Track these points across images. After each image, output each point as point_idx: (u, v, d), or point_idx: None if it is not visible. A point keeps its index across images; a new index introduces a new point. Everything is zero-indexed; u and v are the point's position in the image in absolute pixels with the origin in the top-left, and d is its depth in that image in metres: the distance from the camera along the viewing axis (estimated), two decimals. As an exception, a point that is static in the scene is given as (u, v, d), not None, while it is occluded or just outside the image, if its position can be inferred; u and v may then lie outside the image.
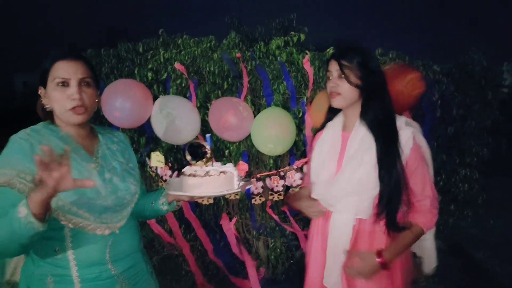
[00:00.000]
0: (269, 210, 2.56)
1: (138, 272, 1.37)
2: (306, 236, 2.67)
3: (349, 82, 1.46)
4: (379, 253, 1.46)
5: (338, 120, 1.63)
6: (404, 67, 2.01)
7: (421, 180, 1.47)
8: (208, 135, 1.37)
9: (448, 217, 2.93)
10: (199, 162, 1.38)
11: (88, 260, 1.23)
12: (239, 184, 1.35)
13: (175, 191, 1.34)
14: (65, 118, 1.27)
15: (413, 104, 2.03)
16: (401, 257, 1.51)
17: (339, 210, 1.54)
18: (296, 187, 2.45)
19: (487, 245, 3.75)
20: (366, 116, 1.49)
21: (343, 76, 1.47)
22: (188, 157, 1.37)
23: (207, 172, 1.30)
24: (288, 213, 2.56)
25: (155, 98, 2.27)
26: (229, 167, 1.36)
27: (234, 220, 2.57)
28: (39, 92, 1.29)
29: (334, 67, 1.49)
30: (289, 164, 2.49)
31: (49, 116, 1.32)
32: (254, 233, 2.71)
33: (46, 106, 1.28)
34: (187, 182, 1.31)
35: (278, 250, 2.69)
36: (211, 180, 1.27)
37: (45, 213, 1.05)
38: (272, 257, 2.73)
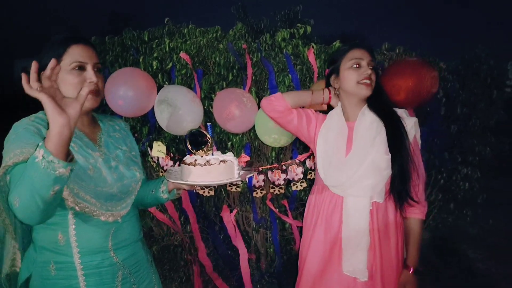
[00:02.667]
0: (269, 203, 2.55)
1: (139, 261, 1.39)
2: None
3: (377, 72, 1.62)
4: (407, 267, 1.61)
5: (338, 110, 1.72)
6: (424, 64, 2.00)
7: (418, 163, 1.58)
8: (209, 124, 1.37)
9: (447, 215, 2.94)
10: (200, 151, 1.38)
11: (90, 247, 1.23)
12: (239, 173, 1.35)
13: (175, 180, 1.34)
14: None
15: (422, 103, 2.02)
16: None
17: (353, 194, 1.57)
18: (297, 181, 2.45)
19: (486, 245, 3.77)
20: (376, 104, 1.62)
21: (371, 67, 1.59)
22: (189, 146, 1.37)
23: (208, 161, 1.30)
24: (287, 206, 2.56)
25: (159, 87, 2.26)
26: (229, 156, 1.35)
27: (234, 211, 2.57)
28: (42, 76, 1.25)
29: (365, 56, 1.60)
30: (291, 158, 2.48)
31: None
32: (254, 225, 2.71)
33: None
34: (187, 171, 1.31)
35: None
36: (211, 169, 1.28)
37: (66, 150, 0.98)
38: (271, 250, 2.74)
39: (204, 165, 1.28)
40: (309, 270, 1.69)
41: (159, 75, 2.36)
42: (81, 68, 1.24)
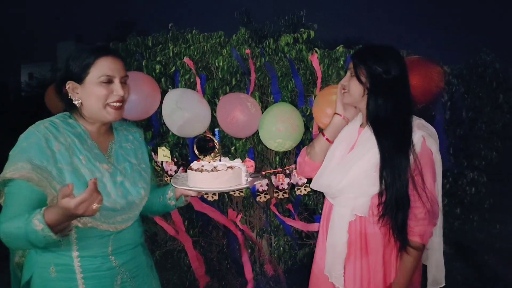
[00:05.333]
0: (273, 208, 2.54)
1: (138, 265, 1.38)
2: (309, 233, 2.68)
3: (358, 80, 1.48)
4: None
5: (360, 114, 1.64)
6: (428, 61, 1.97)
7: (419, 186, 1.42)
8: (216, 130, 1.35)
9: (453, 220, 2.91)
10: (207, 157, 1.36)
11: (90, 252, 1.24)
12: (247, 179, 1.33)
13: (182, 186, 1.33)
14: (101, 115, 1.27)
15: (428, 101, 1.99)
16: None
17: (338, 204, 1.57)
18: (301, 185, 2.44)
19: (493, 250, 3.71)
20: (369, 115, 1.50)
21: (351, 74, 1.50)
22: (196, 152, 1.36)
23: (215, 167, 1.28)
24: (292, 210, 2.55)
25: (163, 92, 2.26)
26: (237, 162, 1.34)
27: (239, 216, 2.56)
28: (67, 86, 1.26)
29: (350, 65, 1.54)
30: (294, 162, 2.47)
31: (69, 108, 1.30)
32: (258, 230, 2.70)
33: (76, 101, 1.26)
34: (194, 177, 1.30)
35: (281, 248, 2.68)
36: (218, 175, 1.26)
37: (65, 228, 1.08)
38: (275, 255, 2.72)
39: (211, 171, 1.27)
40: (313, 270, 1.72)
41: (162, 80, 2.37)
42: (109, 81, 1.25)
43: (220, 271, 2.85)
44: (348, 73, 1.53)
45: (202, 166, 1.31)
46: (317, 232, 2.52)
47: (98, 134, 1.33)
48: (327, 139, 1.62)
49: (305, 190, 2.43)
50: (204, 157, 1.37)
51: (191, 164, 1.36)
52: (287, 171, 2.45)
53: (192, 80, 2.38)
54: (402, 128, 1.45)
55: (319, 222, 2.58)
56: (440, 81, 1.89)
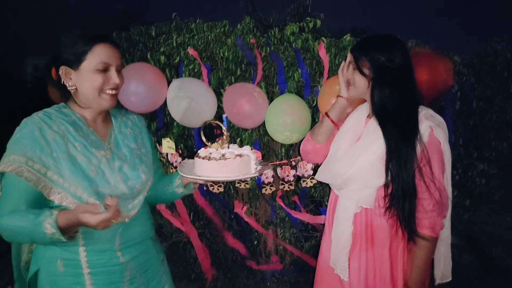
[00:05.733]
0: (279, 200, 2.52)
1: (148, 260, 1.36)
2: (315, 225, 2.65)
3: (361, 73, 1.45)
4: (406, 286, 1.47)
5: (367, 105, 1.60)
6: (439, 55, 1.91)
7: (427, 176, 1.38)
8: (224, 116, 1.29)
9: (463, 212, 2.86)
10: (215, 144, 1.30)
11: (97, 247, 1.22)
12: (256, 168, 1.27)
13: (189, 174, 1.27)
14: (97, 102, 1.25)
15: (437, 96, 1.94)
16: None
17: (344, 195, 1.54)
18: (307, 177, 2.41)
19: (503, 242, 3.65)
20: (374, 106, 1.47)
21: (353, 68, 1.47)
22: (203, 139, 1.30)
23: (223, 155, 1.23)
24: (298, 203, 2.52)
25: (167, 82, 2.23)
26: (246, 149, 1.28)
27: (245, 208, 2.54)
28: (60, 72, 1.23)
29: (349, 57, 1.50)
30: (299, 154, 2.44)
31: (64, 97, 1.28)
32: (263, 222, 2.68)
33: (70, 87, 1.24)
34: (201, 165, 1.25)
35: (287, 240, 2.66)
36: (226, 164, 1.20)
37: (74, 231, 1.11)
38: (281, 247, 2.71)
39: (219, 159, 1.21)
40: (319, 262, 1.71)
41: (167, 70, 2.33)
42: (106, 69, 1.23)
43: (225, 263, 2.84)
44: (351, 67, 1.49)
45: (210, 153, 1.25)
46: (323, 225, 2.51)
47: (95, 121, 1.31)
48: (331, 120, 1.59)
49: (311, 182, 2.40)
50: (211, 144, 1.30)
51: (199, 151, 1.30)
52: (293, 163, 2.42)
53: (196, 70, 2.34)
54: (408, 118, 1.41)
55: (325, 214, 2.56)
56: (449, 77, 1.84)
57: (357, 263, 1.51)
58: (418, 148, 1.38)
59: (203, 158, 1.24)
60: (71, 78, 1.23)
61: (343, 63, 1.54)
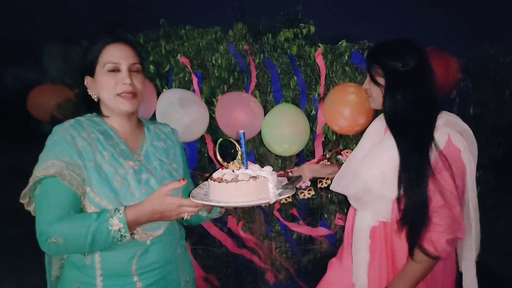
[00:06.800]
0: (277, 213, 2.42)
1: (169, 284, 1.26)
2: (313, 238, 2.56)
3: (374, 82, 1.40)
4: None
5: None
6: (443, 52, 1.86)
7: (436, 186, 1.26)
8: (241, 132, 1.13)
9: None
10: (231, 164, 1.14)
11: (113, 270, 1.16)
12: (275, 192, 1.09)
13: (205, 198, 1.12)
14: (115, 106, 1.20)
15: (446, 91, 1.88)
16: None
17: (360, 207, 1.47)
18: (305, 189, 2.32)
19: (497, 248, 3.63)
20: (386, 113, 1.39)
21: (369, 78, 1.43)
22: (219, 158, 1.15)
23: (236, 177, 1.08)
24: (297, 215, 2.43)
25: (158, 93, 2.12)
26: (265, 171, 1.12)
27: (240, 224, 2.43)
28: (86, 82, 1.22)
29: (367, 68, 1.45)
30: (296, 165, 2.35)
31: (95, 107, 1.26)
32: (259, 237, 2.57)
33: (94, 96, 1.22)
34: (213, 188, 1.11)
35: (284, 255, 2.56)
36: (238, 187, 1.06)
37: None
38: (277, 262, 2.60)
39: (231, 181, 1.07)
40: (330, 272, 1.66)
41: (156, 80, 2.22)
42: (116, 70, 1.18)
43: (219, 279, 2.72)
44: (368, 77, 1.44)
45: (223, 175, 1.11)
46: (324, 238, 2.41)
47: (126, 132, 1.26)
48: None
49: (308, 193, 2.31)
50: (227, 164, 1.15)
51: (213, 174, 1.16)
52: (289, 174, 2.33)
53: (187, 78, 2.23)
54: (422, 125, 1.31)
55: (324, 227, 2.47)
56: (457, 71, 1.78)
57: (377, 279, 1.42)
58: (433, 156, 1.27)
59: (214, 181, 1.10)
60: (93, 87, 1.21)
61: None
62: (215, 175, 1.12)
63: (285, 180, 1.23)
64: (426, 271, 1.32)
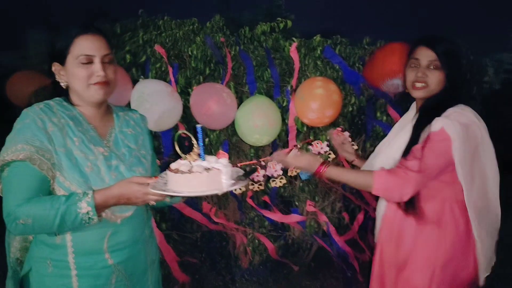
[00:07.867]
0: (250, 201, 2.50)
1: (137, 263, 1.31)
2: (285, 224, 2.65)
3: (445, 69, 1.39)
4: (324, 164, 1.44)
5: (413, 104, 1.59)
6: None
7: (414, 152, 1.37)
8: (199, 126, 1.21)
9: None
10: (189, 156, 1.20)
11: (84, 248, 1.19)
12: (229, 183, 1.16)
13: (164, 187, 1.18)
14: (88, 95, 1.22)
15: None
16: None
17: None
18: (277, 177, 2.40)
19: (502, 247, 3.57)
20: (430, 102, 1.43)
21: (432, 67, 1.39)
22: (178, 150, 1.23)
23: (190, 168, 1.15)
24: (269, 202, 2.52)
25: (133, 81, 2.16)
26: (222, 162, 1.18)
27: (213, 210, 2.51)
28: (53, 68, 1.22)
29: (426, 54, 1.41)
30: (269, 154, 2.43)
31: (63, 93, 1.26)
32: (233, 222, 2.66)
33: (62, 83, 1.22)
34: (171, 178, 1.17)
35: (256, 241, 2.65)
36: (191, 178, 1.13)
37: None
38: (250, 248, 2.69)
39: (186, 172, 1.13)
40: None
41: (133, 69, 2.27)
42: (89, 61, 1.19)
43: (194, 264, 2.80)
44: (424, 64, 1.41)
45: (180, 166, 1.18)
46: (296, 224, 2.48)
47: (96, 118, 1.27)
48: None
49: (280, 182, 2.40)
50: (185, 156, 1.21)
51: (171, 164, 1.22)
52: (262, 163, 2.41)
53: (163, 69, 2.28)
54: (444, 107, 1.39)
55: (295, 213, 2.57)
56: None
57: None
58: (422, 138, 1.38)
59: (171, 171, 1.17)
60: (63, 75, 1.21)
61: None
62: (173, 165, 1.19)
63: (241, 172, 1.29)
64: (359, 184, 1.45)
